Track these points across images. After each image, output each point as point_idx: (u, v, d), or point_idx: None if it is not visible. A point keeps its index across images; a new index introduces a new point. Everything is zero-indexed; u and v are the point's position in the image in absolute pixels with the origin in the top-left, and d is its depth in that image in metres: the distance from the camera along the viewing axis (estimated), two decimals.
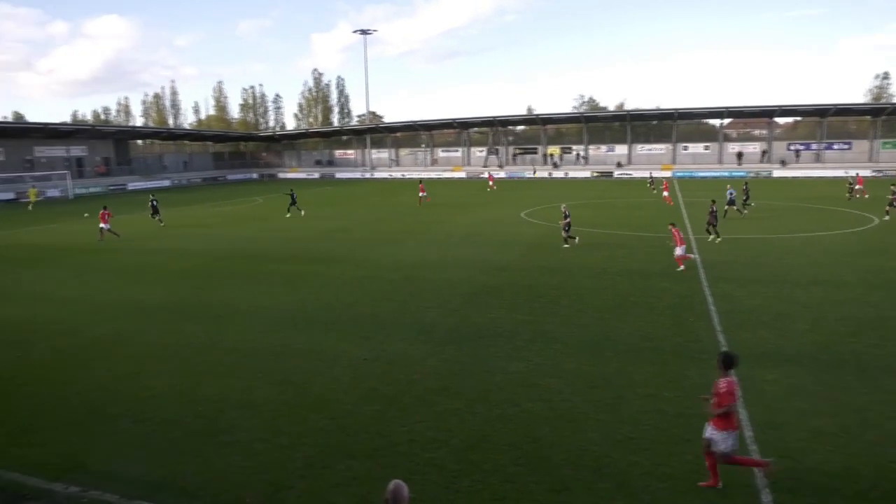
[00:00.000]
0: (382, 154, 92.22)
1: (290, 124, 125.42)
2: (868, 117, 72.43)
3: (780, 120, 78.57)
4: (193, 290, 19.11)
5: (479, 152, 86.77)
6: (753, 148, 75.78)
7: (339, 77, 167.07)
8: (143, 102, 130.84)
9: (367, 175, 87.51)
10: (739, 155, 74.17)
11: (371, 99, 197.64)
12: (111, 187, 69.88)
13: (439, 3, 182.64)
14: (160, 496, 7.70)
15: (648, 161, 77.29)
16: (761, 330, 13.69)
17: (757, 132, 78.76)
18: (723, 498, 7.41)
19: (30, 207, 49.05)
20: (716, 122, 79.22)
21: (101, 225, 30.17)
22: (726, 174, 69.82)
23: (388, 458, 8.51)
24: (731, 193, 32.93)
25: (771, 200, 41.96)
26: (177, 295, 18.41)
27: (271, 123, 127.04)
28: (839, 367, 11.45)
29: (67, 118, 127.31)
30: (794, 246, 24.06)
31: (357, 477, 7.96)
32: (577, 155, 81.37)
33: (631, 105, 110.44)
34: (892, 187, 32.09)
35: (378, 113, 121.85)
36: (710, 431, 7.46)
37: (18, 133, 67.99)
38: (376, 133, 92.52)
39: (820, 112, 70.71)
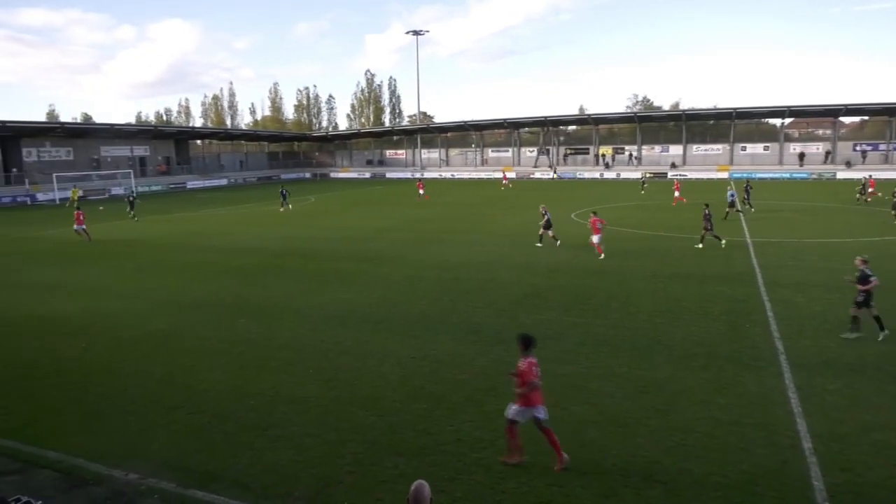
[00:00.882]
0: (433, 154, 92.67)
1: (343, 124, 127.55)
2: None
3: (846, 119, 75.38)
4: (247, 286, 19.62)
5: (529, 152, 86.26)
6: (816, 149, 72.82)
7: (390, 77, 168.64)
8: (203, 104, 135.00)
9: (417, 175, 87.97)
10: (801, 156, 71.41)
11: (422, 99, 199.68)
12: (171, 186, 72.46)
13: (493, 2, 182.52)
14: (214, 486, 7.93)
15: (704, 162, 75.27)
16: (823, 337, 13.15)
17: (820, 132, 75.65)
18: None
19: (68, 205, 51.05)
20: (776, 121, 76.51)
21: (76, 226, 30.41)
22: (787, 175, 67.48)
23: (435, 456, 8.55)
24: (731, 195, 33.09)
25: (831, 203, 40.35)
26: (231, 291, 18.93)
27: (324, 124, 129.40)
28: None
29: (132, 119, 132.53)
30: (861, 250, 22.97)
31: (404, 474, 8.02)
32: (630, 155, 79.93)
33: (687, 104, 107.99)
34: (894, 190, 30.92)
35: (429, 113, 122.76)
36: (512, 410, 8.05)
37: (86, 133, 71.27)
38: (427, 133, 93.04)
39: (889, 111, 67.34)
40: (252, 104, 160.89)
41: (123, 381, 11.65)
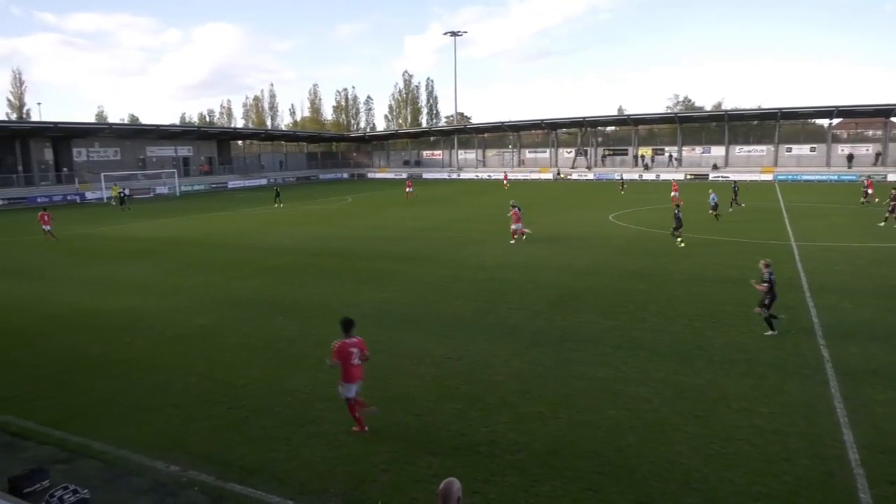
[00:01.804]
0: (469, 155, 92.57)
1: (381, 125, 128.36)
2: None
3: None
4: (286, 284, 19.92)
5: (567, 153, 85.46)
6: (866, 150, 70.28)
7: (428, 78, 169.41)
8: (244, 105, 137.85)
9: (454, 175, 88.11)
10: (850, 157, 69.04)
11: (459, 100, 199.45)
12: (213, 185, 74.05)
13: (532, 3, 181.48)
14: (252, 480, 8.08)
15: (747, 164, 73.42)
16: (871, 345, 12.71)
17: (870, 133, 72.97)
18: None
19: (104, 200, 52.41)
20: (824, 122, 74.04)
21: (44, 227, 30.79)
22: (834, 178, 65.37)
23: (469, 457, 8.54)
24: (713, 199, 33.85)
25: (881, 206, 38.84)
26: (271, 289, 19.25)
27: (362, 124, 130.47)
28: None
29: (176, 120, 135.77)
30: None
31: (437, 474, 8.01)
32: (670, 156, 78.48)
33: (729, 104, 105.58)
34: (892, 191, 29.73)
35: (466, 114, 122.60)
36: (340, 389, 9.14)
37: (133, 134, 73.37)
38: (464, 133, 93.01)
39: None
40: (292, 105, 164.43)
41: (166, 375, 11.95)
